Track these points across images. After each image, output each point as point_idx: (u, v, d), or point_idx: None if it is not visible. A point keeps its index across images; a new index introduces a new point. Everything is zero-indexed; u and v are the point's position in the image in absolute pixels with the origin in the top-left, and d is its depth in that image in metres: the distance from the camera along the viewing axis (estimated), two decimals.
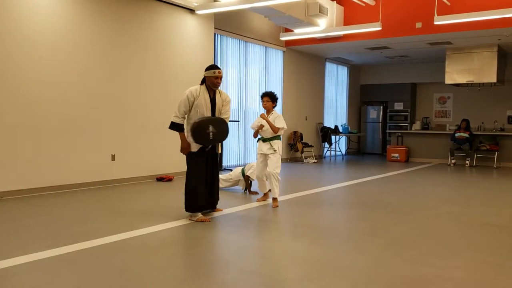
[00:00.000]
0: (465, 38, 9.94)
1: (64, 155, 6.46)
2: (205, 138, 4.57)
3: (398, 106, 14.38)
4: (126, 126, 7.31)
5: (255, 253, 3.72)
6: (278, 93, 6.69)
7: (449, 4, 8.69)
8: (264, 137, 5.67)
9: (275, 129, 5.58)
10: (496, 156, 11.01)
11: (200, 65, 8.12)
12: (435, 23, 8.40)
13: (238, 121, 9.80)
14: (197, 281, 2.99)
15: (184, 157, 4.80)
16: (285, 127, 5.67)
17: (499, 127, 12.47)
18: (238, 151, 10.03)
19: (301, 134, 11.70)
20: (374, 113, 14.58)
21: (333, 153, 12.99)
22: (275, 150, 5.56)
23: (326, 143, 12.65)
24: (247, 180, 6.48)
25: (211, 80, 4.72)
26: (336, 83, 13.77)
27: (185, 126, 4.72)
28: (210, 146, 4.74)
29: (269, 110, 5.70)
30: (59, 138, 6.39)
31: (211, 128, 4.55)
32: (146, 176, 7.62)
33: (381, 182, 8.12)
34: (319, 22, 9.43)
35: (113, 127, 7.11)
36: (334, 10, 9.70)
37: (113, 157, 7.12)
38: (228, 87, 9.50)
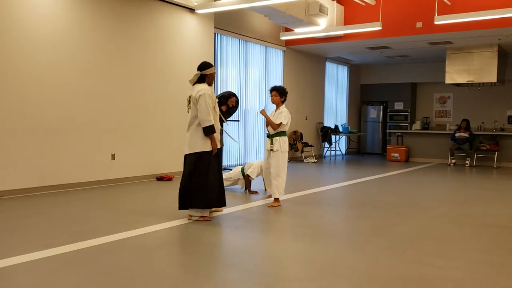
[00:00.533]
0: (465, 38, 9.93)
1: (64, 155, 6.45)
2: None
3: (398, 106, 14.38)
4: (126, 126, 7.30)
5: (255, 253, 3.71)
6: None
7: (449, 4, 8.69)
8: (269, 132, 5.66)
9: (273, 125, 5.55)
10: (496, 156, 11.00)
11: None
12: (435, 23, 8.39)
13: (238, 120, 9.79)
14: (197, 281, 2.99)
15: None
16: (285, 122, 5.52)
17: (499, 127, 12.47)
18: (238, 151, 10.02)
19: (301, 133, 11.69)
20: (374, 112, 14.58)
21: (333, 152, 12.99)
22: (275, 150, 5.54)
23: (326, 142, 12.65)
24: (247, 179, 6.47)
25: (213, 77, 4.79)
26: (336, 82, 13.76)
27: (193, 126, 4.68)
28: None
29: (277, 105, 5.63)
30: (59, 137, 6.38)
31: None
32: (146, 175, 7.62)
33: (381, 182, 8.12)
34: (319, 22, 9.43)
35: (113, 126, 7.10)
36: (334, 10, 9.69)
37: (113, 157, 7.11)
38: (228, 86, 9.50)
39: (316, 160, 11.59)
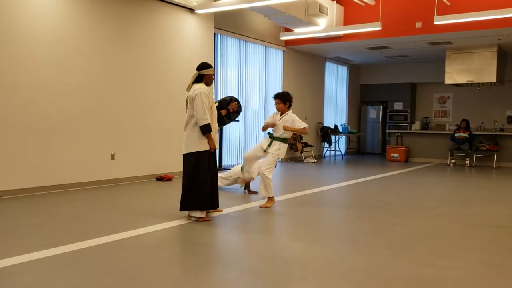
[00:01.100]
0: (465, 38, 9.94)
1: (64, 154, 6.45)
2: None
3: (398, 106, 14.38)
4: (126, 125, 7.30)
5: (255, 253, 3.71)
6: None
7: (449, 4, 8.69)
8: (274, 134, 5.59)
9: (304, 131, 5.56)
10: (495, 156, 11.01)
11: None
12: (435, 23, 8.40)
13: (238, 120, 9.79)
14: (197, 281, 2.99)
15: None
16: (306, 125, 5.57)
17: (499, 127, 12.47)
18: (238, 151, 10.02)
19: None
20: (374, 113, 14.58)
21: (332, 153, 12.99)
22: (270, 152, 5.52)
23: (325, 143, 12.65)
24: (248, 179, 6.45)
25: (211, 78, 4.75)
26: (336, 82, 13.76)
27: (190, 126, 4.68)
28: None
29: (283, 112, 5.57)
30: (58, 137, 6.38)
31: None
32: (145, 175, 7.62)
33: (381, 182, 8.12)
34: (319, 22, 9.43)
35: (112, 126, 7.10)
36: (334, 10, 9.70)
37: (112, 157, 7.11)
38: (228, 86, 9.50)
39: (315, 160, 11.59)
